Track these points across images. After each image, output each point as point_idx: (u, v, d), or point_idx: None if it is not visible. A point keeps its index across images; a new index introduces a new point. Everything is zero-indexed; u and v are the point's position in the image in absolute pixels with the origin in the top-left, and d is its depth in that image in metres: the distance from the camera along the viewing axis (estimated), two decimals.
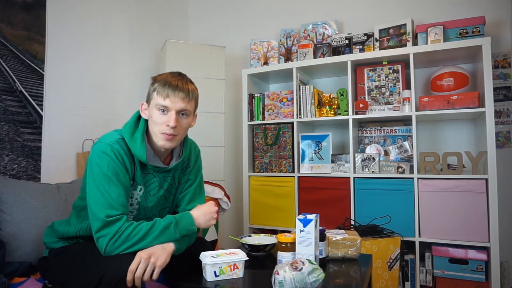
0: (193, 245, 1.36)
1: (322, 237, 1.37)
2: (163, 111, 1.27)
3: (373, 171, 2.31)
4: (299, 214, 1.36)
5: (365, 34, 2.48)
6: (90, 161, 1.26)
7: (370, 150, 2.44)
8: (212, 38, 3.19)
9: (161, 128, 1.27)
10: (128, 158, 1.27)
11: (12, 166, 1.84)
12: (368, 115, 2.38)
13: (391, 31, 2.41)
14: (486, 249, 2.03)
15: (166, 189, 1.40)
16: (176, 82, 1.27)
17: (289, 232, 1.44)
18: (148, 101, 1.32)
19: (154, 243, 1.19)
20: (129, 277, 1.08)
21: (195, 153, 1.50)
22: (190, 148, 1.46)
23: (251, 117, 2.73)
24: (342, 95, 2.49)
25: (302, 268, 1.10)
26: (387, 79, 2.44)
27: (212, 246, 2.10)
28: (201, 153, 1.54)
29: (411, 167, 2.24)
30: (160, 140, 1.28)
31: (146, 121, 1.33)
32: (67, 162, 2.13)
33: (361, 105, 2.36)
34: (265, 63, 2.81)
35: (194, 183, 1.47)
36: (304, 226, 1.26)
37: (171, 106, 1.26)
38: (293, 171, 2.53)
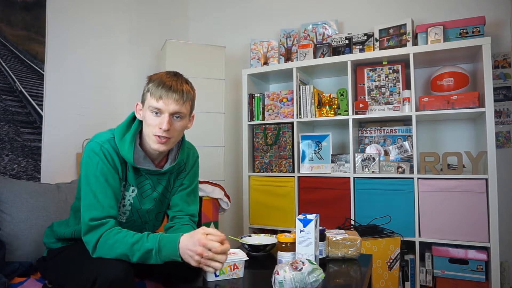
0: None
1: (322, 237, 1.37)
2: (156, 113, 1.22)
3: (373, 171, 2.31)
4: (299, 214, 1.36)
5: (365, 34, 2.48)
6: (81, 161, 1.24)
7: (370, 150, 2.44)
8: (212, 38, 3.19)
9: (154, 130, 1.22)
10: (119, 158, 1.24)
11: (12, 166, 1.84)
12: (368, 115, 2.38)
13: (391, 31, 2.41)
14: (486, 249, 2.03)
15: (161, 192, 1.36)
16: (170, 82, 1.22)
17: (289, 232, 1.44)
18: (142, 101, 1.28)
19: (137, 261, 1.15)
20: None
21: (193, 158, 1.45)
22: (188, 153, 1.42)
23: (251, 117, 2.73)
24: (342, 95, 2.49)
25: (302, 268, 1.10)
26: (387, 79, 2.44)
27: None
28: (201, 154, 1.51)
29: (411, 167, 2.24)
30: (153, 143, 1.24)
31: (140, 122, 1.30)
32: (67, 162, 2.13)
33: (361, 105, 2.36)
34: (265, 63, 2.81)
35: (189, 187, 1.42)
36: (304, 226, 1.26)
37: (164, 108, 1.20)
38: (293, 171, 2.53)
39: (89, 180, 1.19)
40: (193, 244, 1.10)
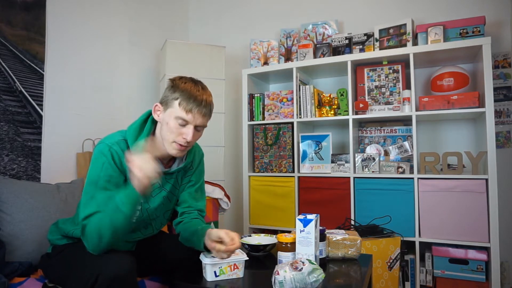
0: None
1: (322, 237, 1.37)
2: (181, 122, 1.26)
3: (373, 171, 2.31)
4: (299, 214, 1.36)
5: (365, 34, 2.48)
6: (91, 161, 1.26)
7: (370, 150, 2.44)
8: (212, 38, 3.19)
9: (177, 138, 1.26)
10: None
11: (12, 166, 1.83)
12: (368, 115, 2.38)
13: (391, 31, 2.41)
14: (486, 249, 2.03)
15: (169, 190, 1.39)
16: (201, 96, 1.26)
17: (289, 232, 1.44)
18: (164, 104, 1.28)
19: (130, 209, 1.14)
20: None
21: (199, 156, 1.49)
22: (194, 152, 1.46)
23: (251, 117, 2.73)
24: (342, 95, 2.49)
25: (302, 268, 1.10)
26: (387, 79, 2.44)
27: None
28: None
29: (411, 167, 2.24)
30: (172, 149, 1.28)
31: (152, 123, 1.33)
32: (67, 162, 2.13)
33: (361, 105, 2.36)
34: (265, 63, 2.81)
35: (196, 184, 1.46)
36: (304, 226, 1.26)
37: (191, 121, 1.25)
38: (293, 171, 2.53)
39: (92, 180, 1.21)
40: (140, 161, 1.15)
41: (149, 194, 1.22)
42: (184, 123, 1.25)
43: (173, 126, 1.25)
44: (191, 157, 1.44)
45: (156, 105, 1.31)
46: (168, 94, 1.28)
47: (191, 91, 1.25)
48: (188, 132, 1.25)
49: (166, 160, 1.37)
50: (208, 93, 1.30)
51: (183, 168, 1.41)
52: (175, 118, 1.25)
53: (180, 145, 1.27)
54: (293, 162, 2.55)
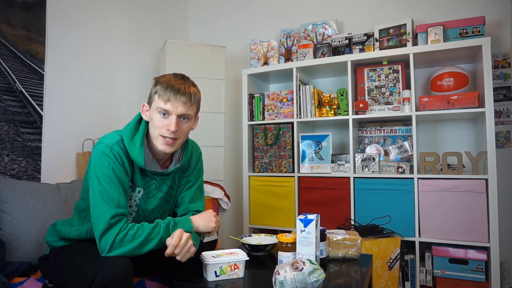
0: None
1: (323, 237, 1.37)
2: (164, 114, 1.25)
3: (373, 171, 2.31)
4: (299, 214, 1.37)
5: (365, 34, 2.48)
6: (91, 163, 1.25)
7: (370, 150, 2.44)
8: (212, 38, 3.19)
9: (161, 131, 1.25)
10: (127, 159, 1.26)
11: (12, 166, 1.83)
12: (368, 115, 2.38)
13: (391, 31, 2.41)
14: (486, 249, 2.03)
15: (166, 191, 1.38)
16: (179, 85, 1.25)
17: (289, 232, 1.44)
18: (149, 102, 1.30)
19: (157, 246, 1.21)
20: (169, 251, 1.18)
21: (196, 155, 1.48)
22: (191, 151, 1.45)
23: (251, 117, 2.73)
24: (342, 95, 2.50)
25: (303, 268, 1.10)
26: (387, 79, 2.44)
27: (212, 246, 2.11)
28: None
29: (411, 167, 2.25)
30: (160, 144, 1.27)
31: (147, 123, 1.32)
32: (67, 162, 2.13)
33: (361, 105, 2.36)
34: (265, 63, 2.81)
35: (194, 185, 1.45)
36: (305, 226, 1.26)
37: (172, 110, 1.24)
38: (293, 171, 2.53)
39: (102, 181, 1.20)
40: (207, 213, 1.35)
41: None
42: (166, 114, 1.25)
43: (157, 120, 1.26)
44: (188, 156, 1.42)
45: (144, 105, 1.33)
46: (151, 90, 1.30)
47: (169, 82, 1.26)
48: (171, 123, 1.24)
49: (162, 161, 1.36)
50: (189, 83, 1.30)
51: (180, 168, 1.39)
52: (157, 111, 1.25)
53: (165, 137, 1.26)
54: (293, 162, 2.55)
